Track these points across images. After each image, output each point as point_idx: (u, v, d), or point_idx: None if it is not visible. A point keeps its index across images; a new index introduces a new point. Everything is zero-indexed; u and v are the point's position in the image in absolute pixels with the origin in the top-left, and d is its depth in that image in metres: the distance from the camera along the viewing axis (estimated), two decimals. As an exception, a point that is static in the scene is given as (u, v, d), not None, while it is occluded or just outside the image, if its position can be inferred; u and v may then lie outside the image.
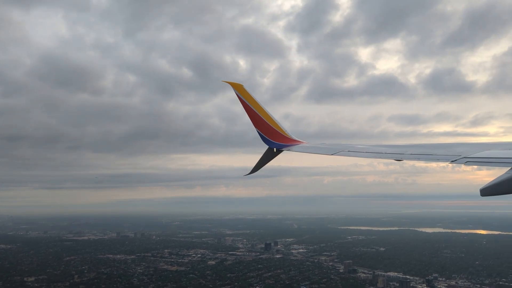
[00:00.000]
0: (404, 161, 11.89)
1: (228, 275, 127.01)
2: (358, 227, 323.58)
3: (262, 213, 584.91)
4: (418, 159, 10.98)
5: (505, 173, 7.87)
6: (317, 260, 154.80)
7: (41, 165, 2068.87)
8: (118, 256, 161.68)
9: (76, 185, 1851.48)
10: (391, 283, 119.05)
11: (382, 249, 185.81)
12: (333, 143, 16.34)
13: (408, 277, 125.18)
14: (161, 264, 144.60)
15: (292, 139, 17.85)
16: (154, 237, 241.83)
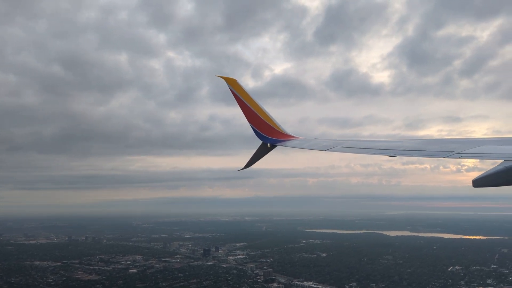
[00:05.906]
0: (396, 157, 12.15)
1: (138, 285, 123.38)
2: (325, 230, 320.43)
3: (242, 214, 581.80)
4: (412, 155, 11.13)
5: (497, 165, 8.29)
6: (245, 267, 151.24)
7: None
8: (45, 263, 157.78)
9: (50, 186, 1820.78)
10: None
11: (323, 255, 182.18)
12: (326, 139, 16.32)
13: (320, 286, 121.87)
14: (79, 272, 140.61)
15: (286, 134, 17.99)
16: (105, 241, 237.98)
